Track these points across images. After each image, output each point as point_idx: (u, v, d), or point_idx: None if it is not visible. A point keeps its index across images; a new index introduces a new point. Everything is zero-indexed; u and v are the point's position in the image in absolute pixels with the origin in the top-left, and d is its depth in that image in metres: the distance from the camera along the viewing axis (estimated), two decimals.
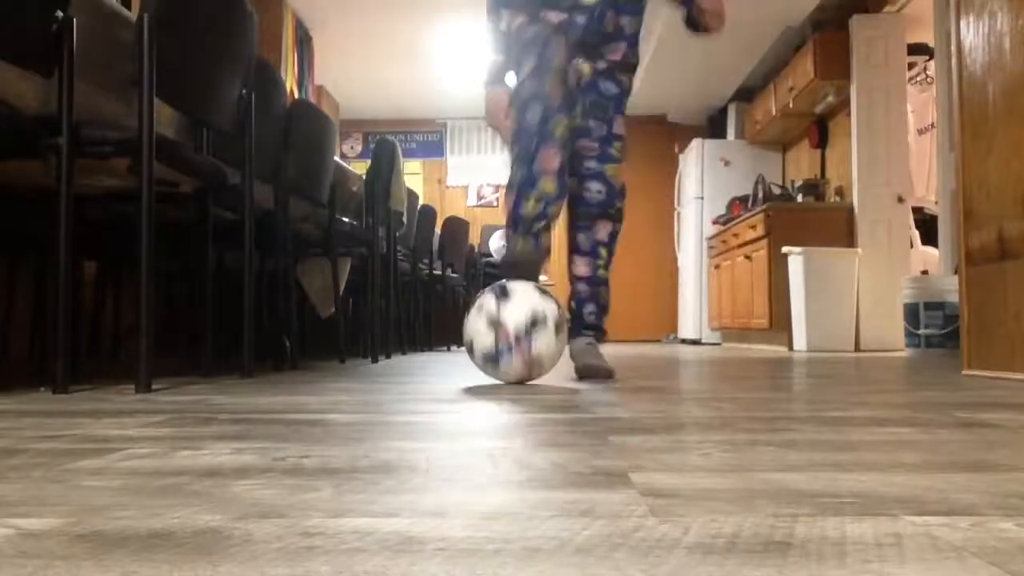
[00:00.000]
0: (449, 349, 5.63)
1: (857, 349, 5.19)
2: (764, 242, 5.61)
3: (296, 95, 6.11)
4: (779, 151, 7.33)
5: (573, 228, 2.34)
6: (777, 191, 6.21)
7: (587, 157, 2.28)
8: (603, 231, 2.29)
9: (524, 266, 2.14)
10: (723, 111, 7.94)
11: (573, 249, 2.32)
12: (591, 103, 2.28)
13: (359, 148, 8.90)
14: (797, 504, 0.62)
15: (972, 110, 2.42)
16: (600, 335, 2.31)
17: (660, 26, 6.06)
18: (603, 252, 2.30)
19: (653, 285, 8.72)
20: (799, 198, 5.85)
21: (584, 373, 2.17)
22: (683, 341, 7.82)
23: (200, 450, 0.88)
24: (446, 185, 8.93)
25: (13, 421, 1.16)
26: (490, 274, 7.78)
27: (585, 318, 2.29)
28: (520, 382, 1.93)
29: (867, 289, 5.24)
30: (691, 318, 7.51)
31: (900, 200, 5.29)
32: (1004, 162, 2.25)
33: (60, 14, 1.60)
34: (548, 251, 2.31)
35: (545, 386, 1.87)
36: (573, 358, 2.24)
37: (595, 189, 2.27)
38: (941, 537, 0.52)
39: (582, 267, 2.30)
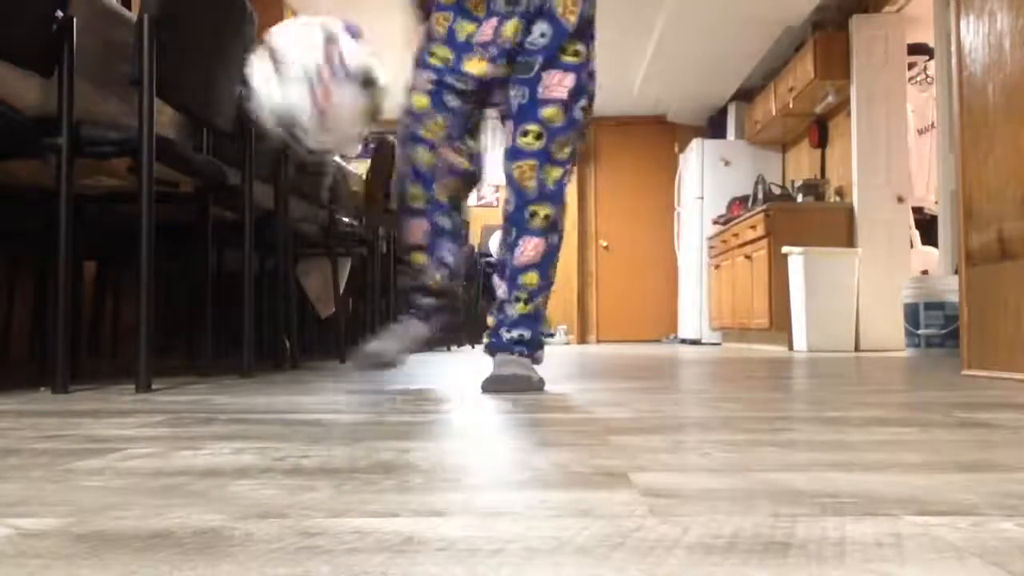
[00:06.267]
0: (449, 349, 5.63)
1: (857, 349, 5.19)
2: (764, 242, 5.61)
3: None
4: (779, 151, 7.32)
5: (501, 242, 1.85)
6: (777, 191, 6.20)
7: (508, 151, 1.81)
8: (524, 254, 1.78)
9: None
10: (723, 111, 7.94)
11: (499, 267, 1.84)
12: (515, 64, 1.79)
13: (359, 148, 8.90)
14: (797, 504, 0.61)
15: (972, 110, 2.42)
16: (534, 351, 1.81)
17: (659, 26, 6.06)
18: (525, 280, 1.78)
19: (653, 285, 8.71)
20: (799, 198, 5.84)
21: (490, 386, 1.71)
22: (683, 341, 7.81)
23: (200, 450, 0.88)
24: None
25: (13, 421, 1.16)
26: (490, 274, 7.78)
27: (504, 335, 1.79)
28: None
29: (867, 289, 5.23)
30: (691, 318, 7.51)
31: (900, 200, 5.29)
32: (1004, 162, 2.25)
33: (60, 14, 1.60)
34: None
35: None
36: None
37: (505, 198, 1.84)
38: (941, 537, 0.52)
39: (503, 291, 1.83)
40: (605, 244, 8.77)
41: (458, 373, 2.47)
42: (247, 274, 2.27)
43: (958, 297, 2.55)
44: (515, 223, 1.79)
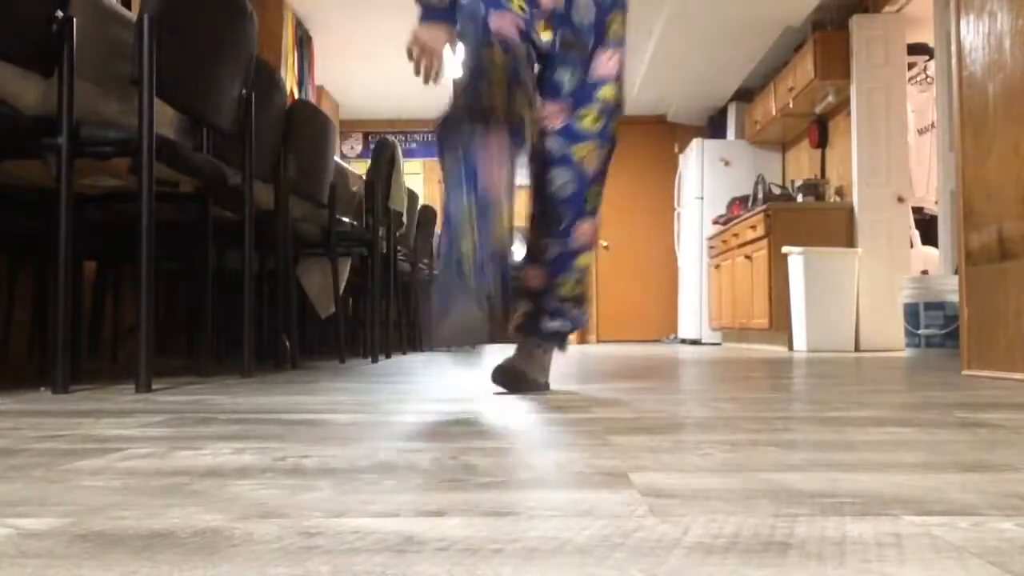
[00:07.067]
0: (449, 349, 5.63)
1: (857, 349, 5.19)
2: (764, 242, 5.61)
3: (296, 95, 6.10)
4: (779, 151, 7.32)
5: (534, 227, 1.71)
6: (777, 191, 6.21)
7: (548, 133, 1.68)
8: (581, 237, 1.69)
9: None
10: (723, 111, 7.94)
11: (531, 255, 1.71)
12: (560, 38, 1.68)
13: (359, 148, 8.89)
14: (797, 504, 0.61)
15: (972, 110, 2.42)
16: (563, 342, 1.78)
17: (659, 26, 6.06)
18: (582, 263, 1.71)
19: (653, 285, 8.72)
20: (799, 198, 5.84)
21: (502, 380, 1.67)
22: (683, 341, 7.82)
23: (200, 450, 0.88)
24: None
25: (13, 421, 1.16)
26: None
27: (547, 325, 1.72)
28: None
29: (867, 289, 5.23)
30: (691, 318, 7.51)
31: (900, 200, 5.29)
32: (1004, 162, 2.25)
33: (60, 14, 1.60)
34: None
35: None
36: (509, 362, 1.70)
37: (559, 181, 1.67)
38: (941, 537, 0.52)
39: (539, 281, 1.71)
40: (605, 244, 8.76)
41: (457, 372, 2.47)
42: (247, 274, 2.27)
43: (958, 297, 2.55)
44: (572, 206, 1.67)
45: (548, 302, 1.71)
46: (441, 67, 1.73)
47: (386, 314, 3.91)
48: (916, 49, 5.51)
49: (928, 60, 5.61)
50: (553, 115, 1.68)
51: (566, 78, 1.68)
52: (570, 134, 1.67)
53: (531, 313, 1.73)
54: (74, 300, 1.99)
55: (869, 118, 5.28)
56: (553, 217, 1.68)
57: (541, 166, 1.69)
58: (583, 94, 1.67)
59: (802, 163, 6.76)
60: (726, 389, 1.79)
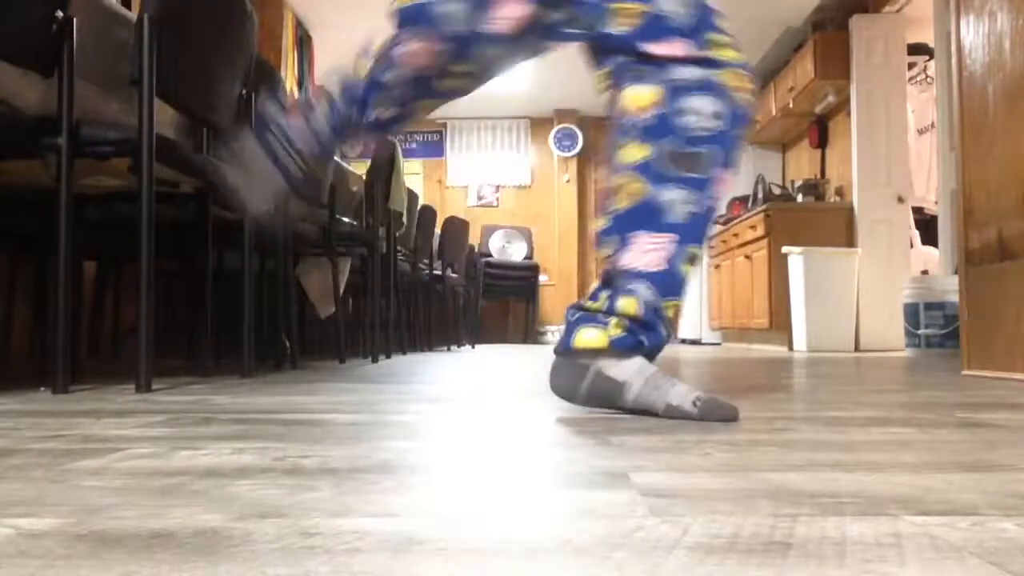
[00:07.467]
0: (449, 349, 5.63)
1: (857, 349, 5.19)
2: (764, 242, 5.61)
3: (296, 95, 6.10)
4: (779, 151, 7.32)
5: (639, 177, 1.18)
6: (777, 191, 6.21)
7: (675, 62, 1.19)
8: (720, 193, 1.22)
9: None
10: None
11: (641, 219, 1.19)
12: None
13: (359, 148, 8.90)
14: (797, 504, 0.61)
15: (972, 110, 2.42)
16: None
17: None
18: (707, 231, 1.22)
19: None
20: (799, 198, 5.85)
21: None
22: (683, 341, 7.82)
23: (200, 450, 0.88)
24: (446, 185, 8.94)
25: (13, 421, 1.16)
26: (490, 274, 7.77)
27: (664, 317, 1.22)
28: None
29: (867, 289, 5.24)
30: (691, 318, 7.52)
31: (900, 200, 5.29)
32: (1004, 162, 2.25)
33: (60, 14, 1.60)
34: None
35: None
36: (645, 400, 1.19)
37: (702, 112, 1.17)
38: (941, 537, 0.52)
39: (658, 255, 1.19)
40: None
41: (457, 372, 2.47)
42: (247, 274, 2.27)
43: (958, 297, 2.55)
44: (717, 147, 1.19)
45: (658, 294, 1.19)
46: None
47: (386, 314, 3.91)
48: (916, 49, 5.51)
49: (928, 60, 5.61)
50: (673, 48, 1.18)
51: (669, 8, 1.19)
52: (708, 63, 1.19)
53: (636, 319, 1.19)
54: (74, 300, 1.99)
55: (869, 118, 5.28)
56: (688, 160, 1.17)
57: (671, 93, 1.18)
58: (703, 25, 1.19)
59: (802, 163, 6.76)
60: (726, 389, 1.79)
